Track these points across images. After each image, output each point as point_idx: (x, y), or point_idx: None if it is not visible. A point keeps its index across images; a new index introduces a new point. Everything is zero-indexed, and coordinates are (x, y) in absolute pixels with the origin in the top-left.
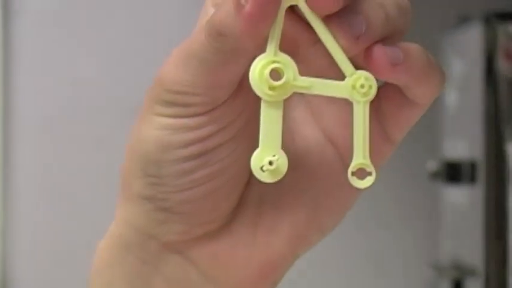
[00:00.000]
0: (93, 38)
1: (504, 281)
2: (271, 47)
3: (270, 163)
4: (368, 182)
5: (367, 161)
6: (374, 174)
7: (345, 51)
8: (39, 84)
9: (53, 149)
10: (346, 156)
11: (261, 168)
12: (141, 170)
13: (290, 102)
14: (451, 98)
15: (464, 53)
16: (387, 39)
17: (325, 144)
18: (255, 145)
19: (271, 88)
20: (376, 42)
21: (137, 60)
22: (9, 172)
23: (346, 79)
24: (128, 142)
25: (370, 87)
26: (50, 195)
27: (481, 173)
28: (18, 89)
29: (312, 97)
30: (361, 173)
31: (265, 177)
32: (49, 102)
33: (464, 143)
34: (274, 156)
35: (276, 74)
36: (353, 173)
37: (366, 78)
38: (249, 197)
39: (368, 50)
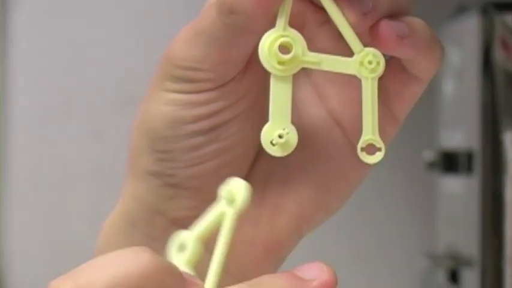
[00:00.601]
0: (92, 28)
1: (500, 271)
2: (281, 22)
3: (280, 136)
4: (377, 157)
5: (376, 137)
6: (383, 149)
7: (353, 27)
8: (36, 74)
9: (50, 141)
10: (352, 136)
11: (271, 142)
12: (149, 146)
13: (296, 83)
14: (448, 87)
15: (462, 43)
16: (393, 16)
17: (331, 125)
18: (263, 122)
19: (280, 62)
20: (382, 18)
21: (137, 51)
22: (4, 165)
23: (355, 56)
24: (135, 119)
25: (378, 63)
26: (46, 187)
27: (478, 163)
28: (14, 79)
29: (318, 78)
30: (370, 149)
31: (275, 151)
32: (46, 93)
33: (460, 133)
34: (284, 129)
35: (284, 49)
36: (362, 149)
37: (374, 55)
38: (255, 175)
39: (375, 25)
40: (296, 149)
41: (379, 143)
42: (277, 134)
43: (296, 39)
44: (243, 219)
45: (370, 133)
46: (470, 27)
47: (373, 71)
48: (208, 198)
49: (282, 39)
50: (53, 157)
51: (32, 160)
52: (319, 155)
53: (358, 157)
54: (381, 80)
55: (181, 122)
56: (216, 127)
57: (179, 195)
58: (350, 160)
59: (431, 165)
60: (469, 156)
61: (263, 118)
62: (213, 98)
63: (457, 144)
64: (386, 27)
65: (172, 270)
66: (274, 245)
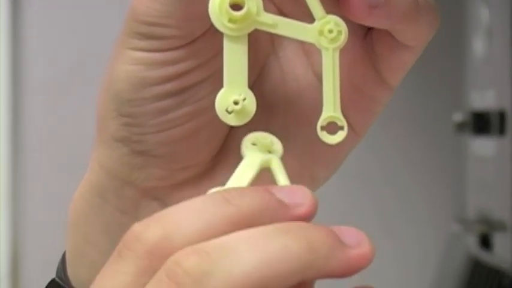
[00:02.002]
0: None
1: None
2: None
3: (236, 103)
4: (339, 136)
5: (338, 114)
6: (346, 128)
7: None
8: (48, 39)
9: (64, 109)
10: (342, 101)
11: (226, 109)
12: (114, 110)
13: (282, 41)
14: (478, 46)
15: (491, 1)
16: None
17: (317, 86)
18: None
19: (232, 21)
20: None
21: None
22: (19, 135)
23: (315, 22)
24: (103, 79)
25: (340, 32)
26: (61, 158)
27: (510, 124)
28: (27, 48)
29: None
30: (331, 127)
31: (230, 120)
32: (59, 61)
33: (492, 93)
34: (240, 95)
35: (238, 8)
36: (323, 128)
37: (336, 23)
38: (233, 141)
39: None
40: (279, 112)
41: (341, 121)
42: (232, 101)
43: None
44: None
45: (331, 110)
46: None
47: (333, 41)
48: (180, 167)
49: None
50: (67, 124)
51: (46, 128)
52: (303, 118)
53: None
54: (370, 44)
55: (147, 83)
56: (186, 89)
57: (148, 163)
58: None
59: (461, 127)
60: (501, 117)
61: None
62: (182, 57)
63: (488, 105)
64: None
65: (268, 204)
66: None
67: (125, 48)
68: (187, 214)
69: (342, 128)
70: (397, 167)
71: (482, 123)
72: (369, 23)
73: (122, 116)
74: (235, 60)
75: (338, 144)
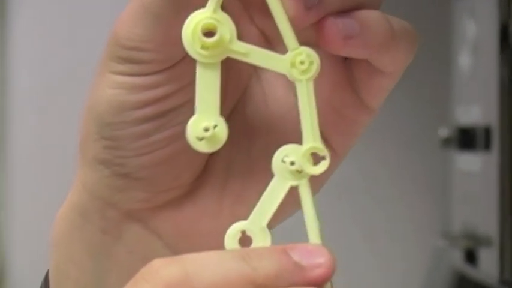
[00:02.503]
0: (94, 6)
1: None
2: (212, 3)
3: (206, 130)
4: (322, 167)
5: (319, 144)
6: (328, 157)
7: (292, 23)
8: (36, 48)
9: (52, 119)
10: (322, 124)
11: (197, 137)
12: (96, 133)
13: None
14: (464, 61)
15: (478, 15)
16: (344, 11)
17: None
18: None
19: (204, 47)
20: (328, 15)
21: None
22: (5, 145)
23: (287, 53)
24: (86, 101)
25: (311, 63)
26: (47, 167)
27: (496, 139)
28: (14, 56)
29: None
30: (313, 158)
31: (201, 147)
32: (47, 70)
33: (478, 108)
34: (211, 122)
35: (211, 35)
36: (304, 157)
37: (308, 55)
38: (215, 163)
39: (319, 22)
40: (261, 134)
41: (323, 151)
42: (203, 128)
43: (225, 23)
44: (204, 211)
45: (311, 141)
46: (487, 0)
47: (305, 72)
48: (162, 189)
49: (205, 21)
50: (55, 133)
51: (33, 138)
52: (285, 140)
53: (327, 146)
54: (349, 67)
55: (127, 107)
56: (166, 113)
57: (130, 186)
58: None
59: (447, 142)
60: (487, 132)
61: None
62: (161, 81)
63: (474, 120)
64: (331, 26)
65: (285, 270)
66: None
67: (106, 71)
68: (208, 262)
69: (324, 157)
70: (383, 181)
71: (468, 138)
72: (344, 53)
73: (103, 138)
74: (207, 87)
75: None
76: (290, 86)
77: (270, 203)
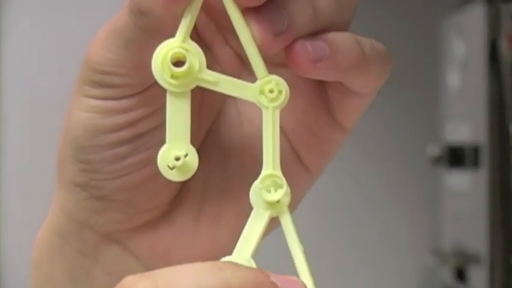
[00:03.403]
0: (85, 25)
1: (510, 268)
2: (181, 33)
3: (177, 159)
4: (277, 195)
5: (278, 172)
6: (285, 186)
7: (261, 49)
8: (28, 71)
9: (41, 139)
10: (295, 142)
11: (168, 165)
12: (72, 155)
13: None
14: (453, 80)
15: (467, 34)
16: (315, 34)
17: None
18: (193, 127)
19: (174, 77)
20: (298, 38)
21: None
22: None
23: (256, 82)
24: (63, 124)
25: (280, 92)
26: (43, 174)
27: (485, 157)
28: (6, 76)
29: None
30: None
31: (172, 175)
32: (37, 90)
33: (466, 127)
34: (181, 151)
35: (181, 64)
36: (262, 187)
37: (277, 83)
38: (191, 184)
39: (289, 46)
40: (237, 153)
41: (281, 179)
42: (174, 157)
43: (194, 52)
44: (180, 232)
45: (270, 168)
46: (475, 18)
47: (273, 100)
48: (139, 211)
49: (174, 51)
50: (45, 154)
51: (23, 158)
52: (260, 159)
53: (301, 164)
54: (323, 86)
55: (101, 131)
56: (140, 136)
57: (107, 208)
58: (293, 166)
59: (436, 160)
60: (476, 151)
61: (193, 123)
62: (134, 105)
63: (463, 138)
64: (300, 49)
65: (262, 284)
66: (213, 258)
67: (80, 95)
68: (180, 275)
69: (281, 186)
70: (373, 199)
71: (456, 156)
72: (314, 76)
73: (79, 161)
74: (177, 116)
75: (277, 202)
76: None
77: (253, 234)
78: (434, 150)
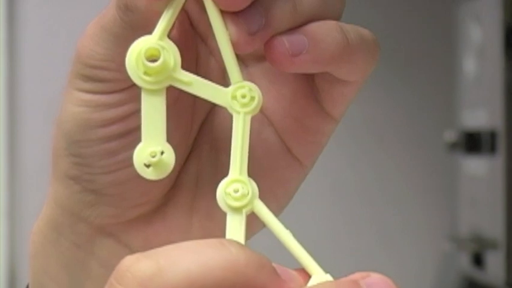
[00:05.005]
0: None
1: None
2: (158, 30)
3: (153, 156)
4: (241, 202)
5: (244, 178)
6: (250, 193)
7: (236, 48)
8: (44, 65)
9: None
10: (284, 134)
11: (145, 163)
12: (66, 149)
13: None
14: (470, 66)
15: (482, 20)
16: (295, 28)
17: (262, 122)
18: (185, 122)
19: (148, 73)
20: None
21: None
22: (15, 162)
23: (230, 87)
24: (56, 116)
25: (252, 98)
26: None
27: (502, 143)
28: (23, 74)
29: (252, 71)
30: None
31: (149, 174)
32: (55, 78)
33: (483, 112)
34: (157, 149)
35: (155, 61)
36: (227, 193)
37: (250, 89)
38: (184, 178)
39: (267, 43)
40: (226, 147)
41: (246, 186)
42: (149, 153)
43: (169, 50)
44: (173, 226)
45: (237, 173)
46: (491, 4)
47: (245, 105)
48: (132, 205)
49: (149, 46)
50: None
51: (42, 154)
52: (251, 154)
53: (290, 156)
54: (311, 76)
55: (92, 125)
56: (131, 131)
57: (100, 202)
58: (283, 158)
59: (453, 146)
60: (492, 136)
61: (185, 117)
62: (125, 100)
63: (480, 124)
64: (277, 45)
65: (264, 265)
66: None
67: (72, 88)
68: (183, 252)
69: (246, 192)
70: (390, 185)
71: (473, 142)
72: (294, 70)
73: (72, 155)
74: (152, 114)
75: (239, 208)
76: None
77: (237, 233)
78: (451, 136)
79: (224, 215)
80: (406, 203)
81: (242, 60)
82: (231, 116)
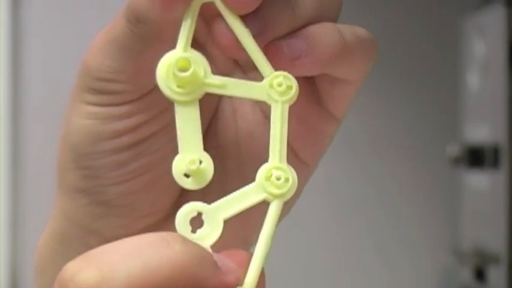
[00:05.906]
0: (104, 18)
1: None
2: (181, 42)
3: (192, 164)
4: (283, 188)
5: (284, 166)
6: (291, 180)
7: (228, 54)
8: (47, 65)
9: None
10: (289, 137)
11: (185, 174)
12: (73, 162)
13: None
14: (473, 80)
15: (486, 35)
16: (295, 31)
17: (265, 123)
18: None
19: (180, 85)
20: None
21: None
22: (18, 170)
23: (264, 79)
24: (61, 129)
25: (290, 87)
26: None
27: (504, 157)
28: (26, 71)
29: (251, 77)
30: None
31: (189, 184)
32: (58, 88)
33: (486, 127)
34: (195, 159)
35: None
36: (267, 178)
37: (285, 77)
38: None
39: (266, 48)
40: (233, 154)
41: (286, 173)
42: (188, 161)
43: (197, 59)
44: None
45: (277, 161)
46: (495, 18)
47: (283, 94)
48: (141, 215)
49: (179, 57)
50: None
51: (45, 157)
52: (256, 157)
53: (296, 158)
54: (310, 78)
55: (102, 137)
56: (141, 141)
57: (110, 213)
58: (289, 160)
59: (456, 161)
60: (495, 151)
61: None
62: (134, 111)
63: (483, 139)
64: (276, 50)
65: (206, 260)
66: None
67: (79, 101)
68: (124, 254)
69: (287, 179)
70: (393, 199)
71: (476, 156)
72: (296, 74)
73: (81, 168)
74: (188, 126)
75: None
76: (257, 102)
77: (239, 202)
78: (453, 150)
79: (230, 220)
80: (409, 216)
81: (241, 67)
82: (234, 121)
